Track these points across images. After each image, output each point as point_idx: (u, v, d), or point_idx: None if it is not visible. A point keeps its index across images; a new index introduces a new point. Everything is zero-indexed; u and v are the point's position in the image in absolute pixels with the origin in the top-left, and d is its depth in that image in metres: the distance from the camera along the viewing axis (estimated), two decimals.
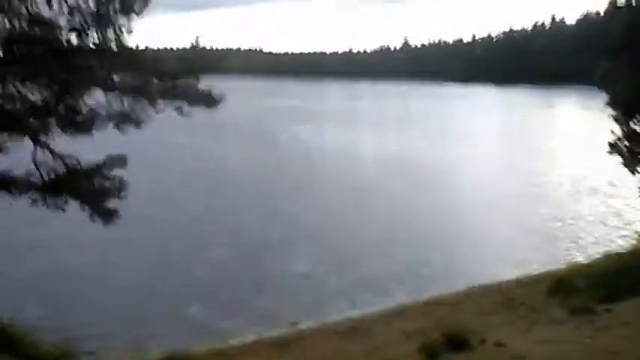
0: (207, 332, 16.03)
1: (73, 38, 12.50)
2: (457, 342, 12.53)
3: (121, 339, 15.31)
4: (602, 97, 20.78)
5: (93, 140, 12.86)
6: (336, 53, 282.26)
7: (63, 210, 13.47)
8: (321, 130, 66.57)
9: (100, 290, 18.90)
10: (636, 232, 22.41)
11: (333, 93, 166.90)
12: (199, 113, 13.60)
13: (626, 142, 20.16)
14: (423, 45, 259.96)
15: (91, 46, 12.44)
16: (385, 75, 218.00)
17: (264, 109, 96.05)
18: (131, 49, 12.41)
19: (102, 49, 12.42)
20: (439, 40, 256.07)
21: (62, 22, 12.37)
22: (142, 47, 12.62)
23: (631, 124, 20.13)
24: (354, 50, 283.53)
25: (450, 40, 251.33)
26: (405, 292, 19.44)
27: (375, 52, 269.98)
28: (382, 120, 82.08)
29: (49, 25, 12.35)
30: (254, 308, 17.92)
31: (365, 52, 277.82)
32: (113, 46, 12.41)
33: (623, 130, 20.20)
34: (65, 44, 12.55)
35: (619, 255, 20.31)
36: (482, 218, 29.17)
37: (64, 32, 12.33)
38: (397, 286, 20.03)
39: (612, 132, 20.38)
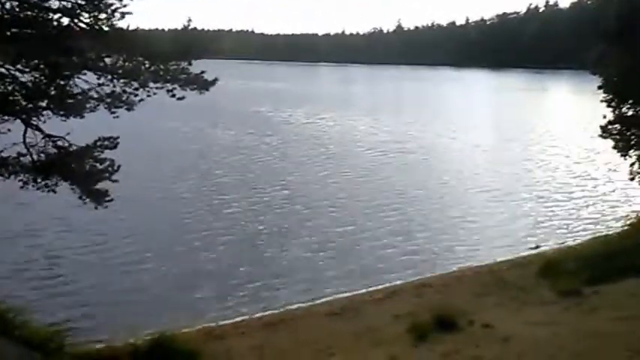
0: (198, 313, 16.11)
1: (64, 20, 12.49)
2: (446, 323, 12.70)
3: (111, 321, 15.37)
4: (595, 82, 20.84)
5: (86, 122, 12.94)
6: (328, 35, 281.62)
7: (54, 192, 13.50)
8: (314, 114, 66.34)
9: (92, 273, 18.91)
10: (625, 215, 22.55)
11: (326, 76, 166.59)
12: (191, 96, 13.66)
13: (618, 126, 20.26)
14: (416, 27, 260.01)
15: (83, 27, 12.42)
16: (378, 59, 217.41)
17: (256, 92, 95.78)
18: (122, 30, 12.39)
19: (93, 30, 12.39)
20: (432, 23, 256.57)
21: (53, 3, 12.36)
22: (133, 28, 12.53)
23: (622, 107, 20.24)
24: (347, 32, 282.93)
25: (444, 23, 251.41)
26: (396, 275, 19.53)
27: (368, 34, 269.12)
28: (375, 105, 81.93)
29: (40, 7, 12.31)
30: (245, 290, 17.99)
31: (358, 34, 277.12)
32: (104, 27, 12.37)
33: (614, 114, 20.31)
34: (56, 26, 12.52)
35: (607, 238, 20.50)
36: (473, 202, 29.26)
37: (55, 14, 12.34)
38: (388, 268, 20.11)
39: (604, 116, 20.48)
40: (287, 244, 22.31)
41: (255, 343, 13.64)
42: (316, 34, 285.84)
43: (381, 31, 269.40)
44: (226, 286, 18.24)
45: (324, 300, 17.49)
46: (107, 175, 13.35)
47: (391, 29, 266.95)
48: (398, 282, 18.91)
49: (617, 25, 19.53)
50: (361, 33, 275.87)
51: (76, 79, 12.81)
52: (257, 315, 16.26)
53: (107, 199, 13.70)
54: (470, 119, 65.50)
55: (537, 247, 21.98)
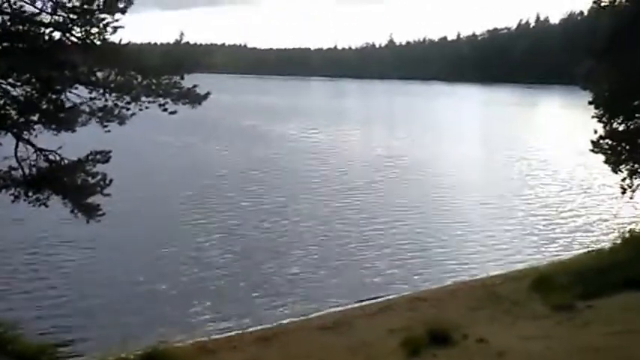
0: (191, 328, 15.99)
1: (56, 34, 12.49)
2: (440, 338, 12.65)
3: (103, 335, 15.26)
4: (586, 97, 20.97)
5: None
6: (320, 50, 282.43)
7: (45, 206, 13.45)
8: (306, 128, 66.45)
9: (83, 287, 18.78)
10: (618, 230, 22.62)
11: (318, 91, 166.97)
12: (183, 110, 13.65)
13: (609, 141, 20.36)
14: (408, 42, 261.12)
15: (75, 41, 12.42)
16: (370, 73, 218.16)
17: (248, 106, 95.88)
18: (114, 44, 12.38)
19: (85, 44, 12.39)
20: (424, 38, 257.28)
21: (45, 17, 12.36)
22: (125, 42, 12.53)
23: (613, 123, 20.35)
24: (339, 47, 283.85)
25: (436, 38, 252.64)
26: (390, 289, 19.48)
27: (361, 48, 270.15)
28: (367, 118, 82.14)
29: (32, 21, 12.31)
30: (238, 305, 17.90)
31: (350, 48, 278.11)
32: (96, 41, 12.38)
33: (605, 129, 20.41)
34: (48, 40, 12.52)
35: (599, 252, 20.52)
36: (465, 216, 29.28)
37: (46, 28, 12.35)
38: (381, 282, 20.07)
39: (595, 131, 20.58)
40: (280, 259, 22.21)
41: (248, 357, 13.57)
42: (309, 49, 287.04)
43: (374, 45, 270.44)
44: (219, 301, 18.13)
45: (316, 314, 17.40)
46: (99, 189, 13.32)
47: (383, 44, 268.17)
48: (391, 296, 18.85)
49: (605, 42, 19.67)
50: (353, 47, 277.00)
51: (68, 93, 12.80)
52: (250, 329, 16.14)
53: (99, 213, 13.67)
54: (461, 134, 65.76)
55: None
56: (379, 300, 18.50)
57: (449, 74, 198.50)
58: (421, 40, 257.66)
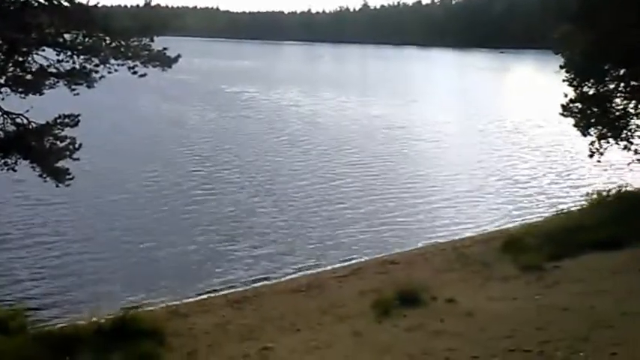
0: (162, 292, 16.01)
1: None
2: (410, 299, 12.84)
3: (74, 300, 15.25)
4: (558, 61, 21.10)
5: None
6: (294, 13, 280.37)
7: (13, 170, 13.33)
8: (281, 92, 66.11)
9: (54, 251, 18.63)
10: (587, 192, 22.91)
11: (293, 55, 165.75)
12: (153, 74, 13.52)
13: (579, 104, 20.56)
14: (382, 6, 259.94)
15: (41, 2, 12.18)
16: (345, 37, 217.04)
17: (224, 70, 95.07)
18: (82, 5, 12.15)
19: (52, 5, 12.15)
20: (398, 2, 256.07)
21: None
22: (93, 4, 12.30)
23: (584, 86, 20.54)
24: (313, 10, 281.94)
25: (410, 2, 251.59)
26: (361, 252, 19.65)
27: (334, 12, 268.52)
28: (342, 83, 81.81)
29: None
30: (210, 268, 17.94)
31: (324, 12, 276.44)
32: (63, 2, 12.15)
33: (575, 93, 20.60)
34: (14, 1, 12.27)
35: (568, 214, 20.83)
36: (436, 180, 29.44)
37: None
38: (352, 245, 20.21)
39: (565, 95, 20.76)
40: (252, 223, 22.22)
41: (220, 321, 13.61)
42: (282, 12, 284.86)
43: (347, 9, 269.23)
44: (190, 265, 18.17)
45: (289, 277, 17.50)
46: (68, 153, 13.21)
47: (357, 8, 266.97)
48: (362, 259, 19.03)
49: (579, 5, 19.74)
50: (327, 11, 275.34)
51: (35, 56, 12.60)
52: (222, 293, 16.22)
53: (68, 177, 13.57)
54: (432, 97, 66.03)
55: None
56: (350, 263, 18.62)
57: (423, 39, 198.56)
58: (395, 3, 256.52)
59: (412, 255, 19.05)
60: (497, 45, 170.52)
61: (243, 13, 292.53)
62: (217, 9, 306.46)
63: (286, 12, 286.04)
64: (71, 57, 12.60)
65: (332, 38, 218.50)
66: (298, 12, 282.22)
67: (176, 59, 13.46)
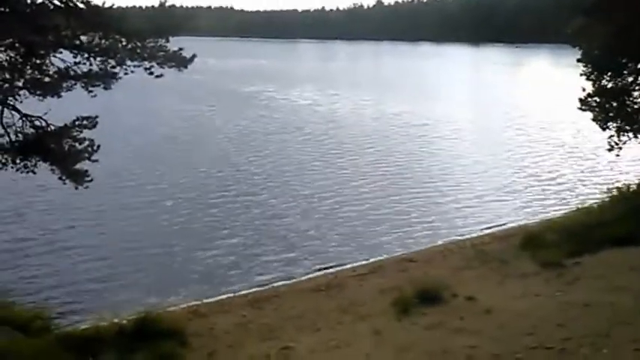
0: (184, 292, 16.08)
1: None
2: (429, 297, 12.77)
3: (96, 301, 15.32)
4: (574, 55, 20.90)
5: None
6: (308, 11, 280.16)
7: (33, 172, 13.40)
8: (299, 91, 66.10)
9: (76, 254, 18.75)
10: (606, 187, 22.68)
11: (307, 54, 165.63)
12: (169, 74, 13.53)
13: (597, 98, 20.35)
14: (396, 2, 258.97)
15: (57, 4, 12.22)
16: (359, 35, 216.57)
17: (236, 70, 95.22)
18: (98, 7, 12.18)
19: (68, 8, 12.19)
20: None
21: None
22: (108, 6, 12.32)
23: (602, 80, 20.31)
24: (327, 8, 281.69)
25: None
26: (380, 250, 19.61)
27: (348, 10, 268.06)
28: (359, 82, 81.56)
29: None
30: (230, 268, 17.98)
31: (338, 9, 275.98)
32: (79, 4, 12.18)
33: (594, 86, 20.38)
34: (30, 3, 12.31)
35: (588, 210, 20.63)
36: (455, 177, 29.34)
37: None
38: (372, 244, 20.18)
39: (583, 89, 20.55)
40: (272, 223, 22.27)
41: (240, 321, 13.65)
42: (296, 10, 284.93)
43: (361, 6, 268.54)
44: (211, 266, 18.23)
45: (309, 276, 17.53)
46: (87, 155, 13.25)
47: (371, 5, 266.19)
48: (382, 257, 19.00)
49: None
50: (341, 8, 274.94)
51: (52, 58, 12.65)
52: (242, 292, 16.25)
53: (87, 179, 13.61)
54: (451, 93, 65.65)
55: None
56: (370, 261, 18.62)
57: (438, 35, 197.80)
58: (409, 0, 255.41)
59: (431, 252, 19.01)
60: (512, 40, 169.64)
61: (257, 12, 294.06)
62: (231, 8, 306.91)
63: (300, 10, 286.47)
64: (88, 59, 12.62)
65: (346, 35, 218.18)
66: (312, 10, 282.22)
67: (192, 59, 13.45)
